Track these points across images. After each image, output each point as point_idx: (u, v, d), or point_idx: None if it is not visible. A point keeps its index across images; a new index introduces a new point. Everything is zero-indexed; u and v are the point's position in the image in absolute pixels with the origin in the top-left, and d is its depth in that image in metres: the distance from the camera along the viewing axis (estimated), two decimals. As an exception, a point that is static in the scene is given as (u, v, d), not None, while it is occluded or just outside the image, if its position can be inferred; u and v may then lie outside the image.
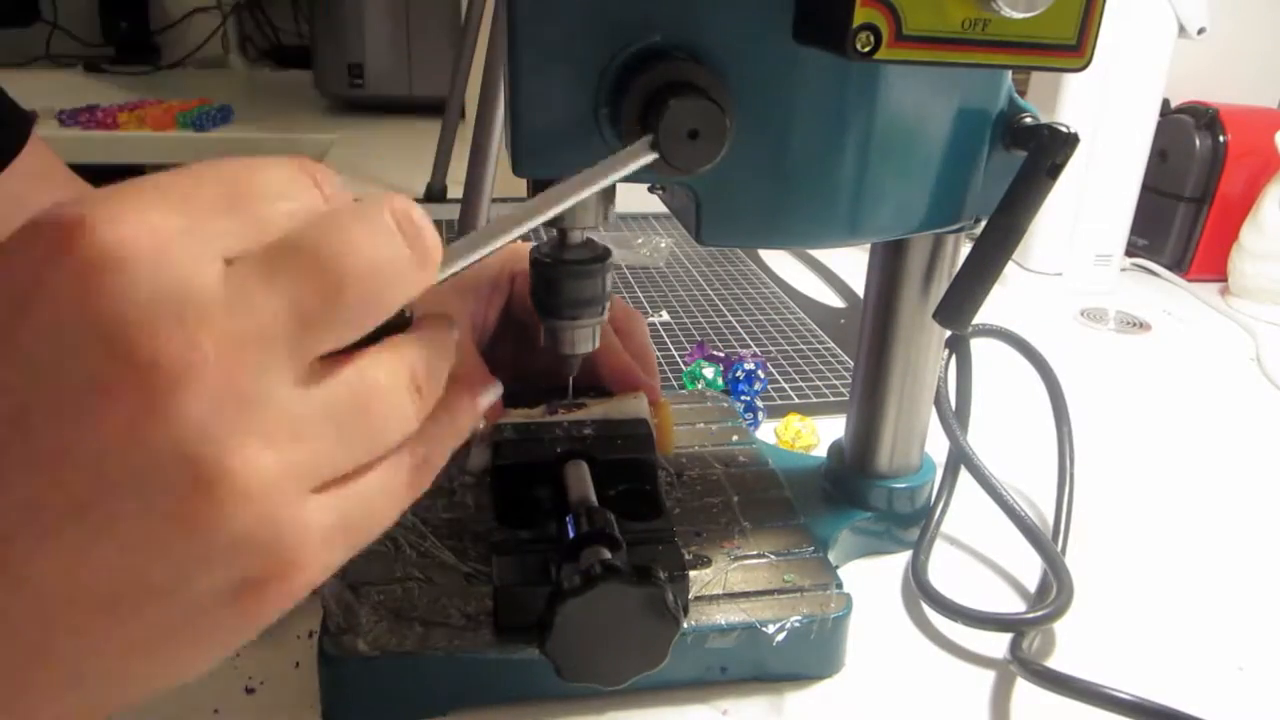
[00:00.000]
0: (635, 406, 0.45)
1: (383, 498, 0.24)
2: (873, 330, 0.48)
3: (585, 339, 0.41)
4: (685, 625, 0.39)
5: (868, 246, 0.47)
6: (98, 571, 0.19)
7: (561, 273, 0.39)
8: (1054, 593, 0.44)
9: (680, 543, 0.45)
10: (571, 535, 0.37)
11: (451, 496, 0.47)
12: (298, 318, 0.21)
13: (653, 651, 0.34)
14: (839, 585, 0.42)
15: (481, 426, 0.44)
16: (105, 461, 0.19)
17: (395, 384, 0.23)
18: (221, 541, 0.20)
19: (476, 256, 0.26)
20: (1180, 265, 0.99)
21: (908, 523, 0.51)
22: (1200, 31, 0.85)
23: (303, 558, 0.21)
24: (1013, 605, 0.48)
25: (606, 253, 0.40)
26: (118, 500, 0.19)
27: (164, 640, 0.21)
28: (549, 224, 0.32)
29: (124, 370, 0.18)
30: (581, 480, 0.41)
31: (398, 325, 0.25)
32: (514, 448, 0.42)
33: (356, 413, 0.22)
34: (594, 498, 0.40)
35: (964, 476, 0.52)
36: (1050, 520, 0.52)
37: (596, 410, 0.44)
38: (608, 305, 0.41)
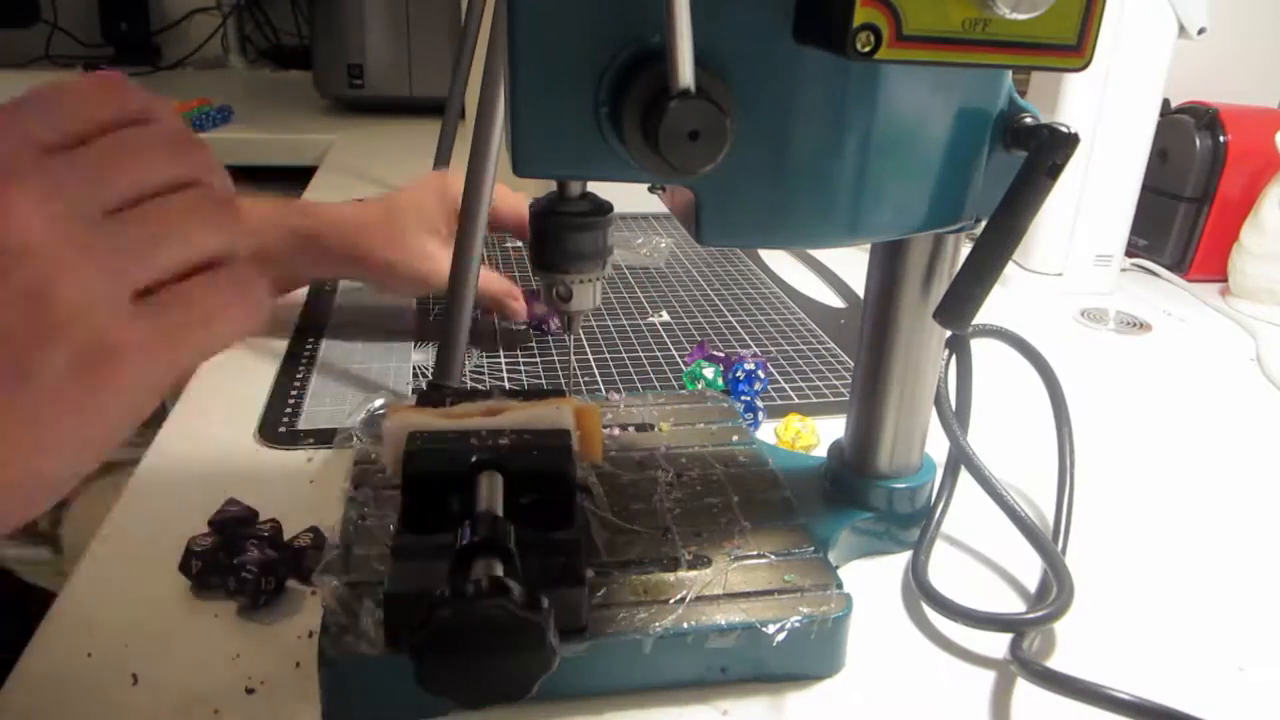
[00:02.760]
0: (556, 416, 0.43)
1: (200, 307, 0.30)
2: (873, 330, 0.48)
3: (585, 295, 0.40)
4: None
5: (868, 246, 0.47)
6: None
7: (563, 225, 0.39)
8: (1054, 593, 0.44)
9: (679, 543, 0.45)
10: (465, 543, 0.35)
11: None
12: (96, 182, 0.28)
13: (520, 681, 0.33)
14: (839, 585, 0.42)
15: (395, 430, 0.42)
16: None
17: (194, 204, 0.30)
18: (57, 333, 0.26)
19: None
20: (1180, 265, 0.99)
21: (908, 523, 0.51)
22: (1200, 31, 0.85)
23: (122, 345, 0.27)
24: (1013, 605, 0.48)
25: (608, 206, 0.39)
26: None
27: (21, 423, 0.27)
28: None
29: None
30: (492, 491, 0.39)
31: None
32: (426, 457, 0.40)
33: (161, 232, 0.29)
34: (500, 508, 0.38)
35: (964, 476, 0.52)
36: (1050, 520, 0.52)
37: (517, 418, 0.43)
38: (609, 261, 0.40)
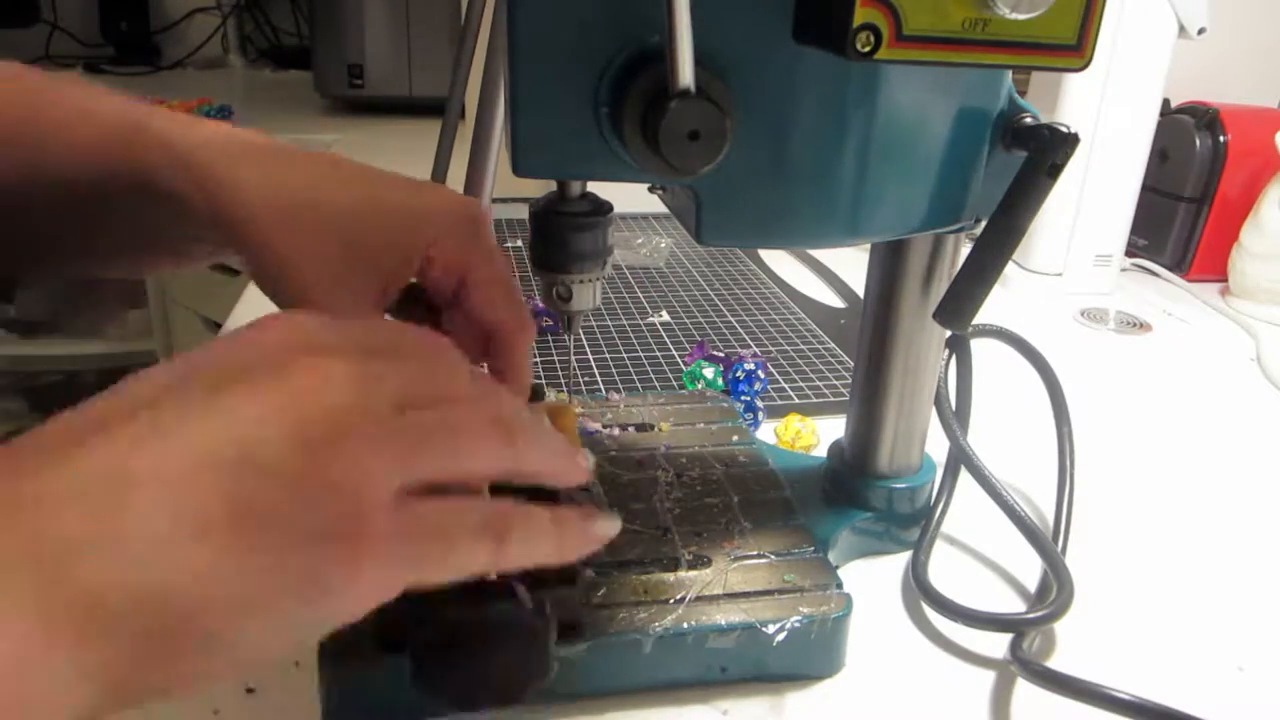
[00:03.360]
0: None
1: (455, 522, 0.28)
2: (873, 330, 0.48)
3: (585, 295, 0.40)
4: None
5: (868, 246, 0.47)
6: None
7: (563, 225, 0.39)
8: (1054, 593, 0.44)
9: (679, 543, 0.45)
10: None
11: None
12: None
13: (519, 683, 0.33)
14: (839, 585, 0.42)
15: None
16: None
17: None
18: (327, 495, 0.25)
19: None
20: (1180, 265, 0.99)
21: (908, 523, 0.51)
22: (1200, 31, 0.85)
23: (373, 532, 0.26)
24: (1013, 605, 0.48)
25: (608, 206, 0.39)
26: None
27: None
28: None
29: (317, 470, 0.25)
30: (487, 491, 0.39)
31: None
32: None
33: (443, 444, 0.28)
34: None
35: (964, 476, 0.52)
36: (1050, 520, 0.52)
37: None
38: (609, 261, 0.40)
